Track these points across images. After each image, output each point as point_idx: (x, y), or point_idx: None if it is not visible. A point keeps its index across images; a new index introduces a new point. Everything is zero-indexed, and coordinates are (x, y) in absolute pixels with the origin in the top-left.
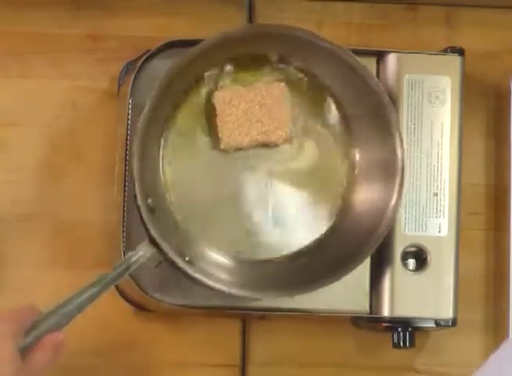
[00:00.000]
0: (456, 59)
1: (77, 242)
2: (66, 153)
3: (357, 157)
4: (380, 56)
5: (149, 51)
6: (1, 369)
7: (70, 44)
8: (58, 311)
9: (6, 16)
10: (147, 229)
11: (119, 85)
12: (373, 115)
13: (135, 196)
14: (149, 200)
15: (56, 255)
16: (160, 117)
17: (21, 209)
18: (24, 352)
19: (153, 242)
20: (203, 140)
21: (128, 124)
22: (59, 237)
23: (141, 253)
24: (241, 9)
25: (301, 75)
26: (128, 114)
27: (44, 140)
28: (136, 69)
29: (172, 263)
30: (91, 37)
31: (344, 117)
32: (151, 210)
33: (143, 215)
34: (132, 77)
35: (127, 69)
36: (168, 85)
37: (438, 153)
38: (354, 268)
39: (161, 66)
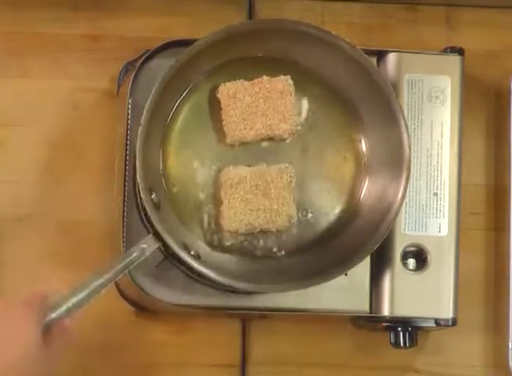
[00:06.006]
0: (455, 59)
1: (77, 242)
2: (66, 153)
3: (363, 151)
4: (380, 55)
5: (148, 51)
6: (28, 353)
7: (70, 44)
8: (68, 299)
9: (6, 16)
10: (151, 224)
11: (118, 85)
12: (379, 109)
13: (138, 190)
14: (153, 195)
15: (56, 255)
16: (164, 112)
17: (21, 209)
18: (44, 336)
19: (157, 236)
20: (208, 134)
21: (127, 123)
22: (59, 237)
23: (144, 246)
24: (241, 9)
25: (309, 70)
26: (128, 114)
27: (44, 140)
28: (136, 69)
29: (176, 258)
30: (91, 37)
31: (351, 111)
32: (155, 204)
33: (147, 209)
34: (132, 77)
35: (126, 69)
36: (172, 79)
37: (438, 153)
38: (357, 262)
39: (161, 66)
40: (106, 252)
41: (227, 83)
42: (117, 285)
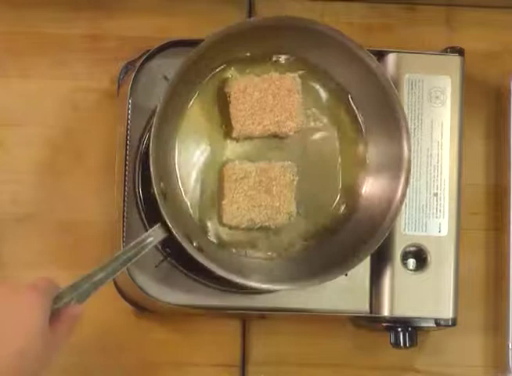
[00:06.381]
0: (456, 59)
1: (77, 242)
2: (66, 153)
3: (364, 151)
4: (380, 55)
5: (148, 51)
6: (33, 339)
7: (70, 44)
8: (75, 288)
9: (6, 16)
10: (159, 213)
11: (119, 85)
12: (382, 112)
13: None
14: (162, 185)
15: (56, 255)
16: (176, 106)
17: (21, 209)
18: (49, 323)
19: (164, 226)
20: (214, 129)
21: (127, 124)
22: (58, 237)
23: (151, 239)
24: (241, 10)
25: (315, 69)
26: (128, 114)
27: (44, 140)
28: (136, 69)
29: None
30: (91, 37)
31: (353, 111)
32: (163, 194)
33: (157, 196)
34: (132, 77)
35: (127, 69)
36: (186, 73)
37: (438, 153)
38: (358, 263)
39: (161, 67)
40: (106, 252)
41: (238, 77)
42: (116, 285)
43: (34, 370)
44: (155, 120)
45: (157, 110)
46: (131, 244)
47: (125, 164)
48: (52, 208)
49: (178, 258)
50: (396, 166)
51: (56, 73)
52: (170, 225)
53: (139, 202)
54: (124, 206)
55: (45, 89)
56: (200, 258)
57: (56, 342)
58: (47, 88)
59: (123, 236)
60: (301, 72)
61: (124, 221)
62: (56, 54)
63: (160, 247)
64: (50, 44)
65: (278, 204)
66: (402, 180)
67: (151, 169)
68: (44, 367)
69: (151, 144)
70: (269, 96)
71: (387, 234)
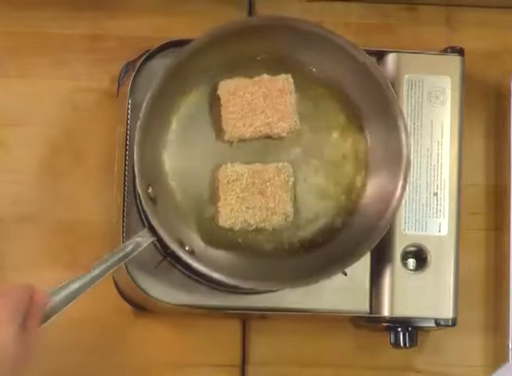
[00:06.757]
0: (456, 59)
1: (77, 242)
2: (66, 153)
3: (363, 150)
4: (379, 56)
5: (148, 51)
6: (4, 352)
7: (70, 44)
8: (54, 296)
9: (6, 16)
10: (146, 217)
11: (119, 85)
12: (379, 109)
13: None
14: (150, 189)
15: (56, 255)
16: (164, 108)
17: (21, 209)
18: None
19: (152, 230)
20: (207, 131)
21: (127, 123)
22: (59, 237)
23: (139, 240)
24: (241, 10)
25: (309, 69)
26: (128, 114)
27: (44, 140)
28: (136, 69)
29: (173, 257)
30: (91, 37)
31: (351, 111)
32: (151, 199)
33: (142, 201)
34: (132, 77)
35: (126, 69)
36: (172, 76)
37: (438, 153)
38: (355, 261)
39: (161, 67)
40: (105, 252)
41: (227, 80)
42: (116, 285)
43: (17, 367)
44: (140, 121)
45: (143, 108)
46: (117, 249)
47: (125, 164)
48: (52, 208)
49: (177, 258)
50: (395, 164)
51: (56, 73)
52: (156, 229)
53: (139, 202)
54: (123, 206)
55: (45, 89)
56: (190, 261)
57: (29, 340)
58: (47, 88)
59: (123, 236)
60: (295, 72)
61: (123, 221)
62: (56, 54)
63: (159, 248)
64: (50, 44)
65: (273, 205)
66: (401, 178)
67: (136, 175)
68: (26, 364)
69: (135, 148)
70: (260, 98)
71: (384, 233)
